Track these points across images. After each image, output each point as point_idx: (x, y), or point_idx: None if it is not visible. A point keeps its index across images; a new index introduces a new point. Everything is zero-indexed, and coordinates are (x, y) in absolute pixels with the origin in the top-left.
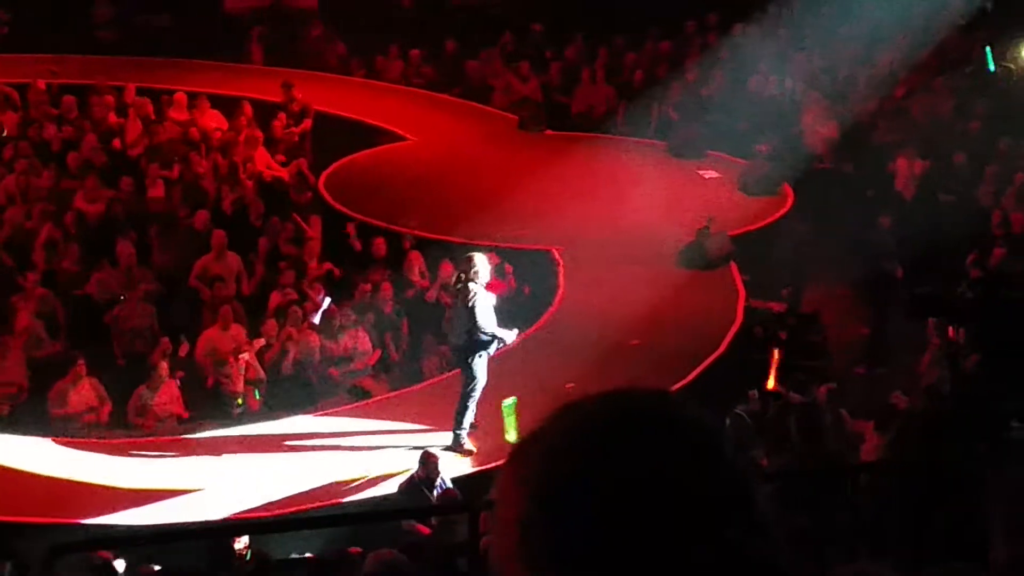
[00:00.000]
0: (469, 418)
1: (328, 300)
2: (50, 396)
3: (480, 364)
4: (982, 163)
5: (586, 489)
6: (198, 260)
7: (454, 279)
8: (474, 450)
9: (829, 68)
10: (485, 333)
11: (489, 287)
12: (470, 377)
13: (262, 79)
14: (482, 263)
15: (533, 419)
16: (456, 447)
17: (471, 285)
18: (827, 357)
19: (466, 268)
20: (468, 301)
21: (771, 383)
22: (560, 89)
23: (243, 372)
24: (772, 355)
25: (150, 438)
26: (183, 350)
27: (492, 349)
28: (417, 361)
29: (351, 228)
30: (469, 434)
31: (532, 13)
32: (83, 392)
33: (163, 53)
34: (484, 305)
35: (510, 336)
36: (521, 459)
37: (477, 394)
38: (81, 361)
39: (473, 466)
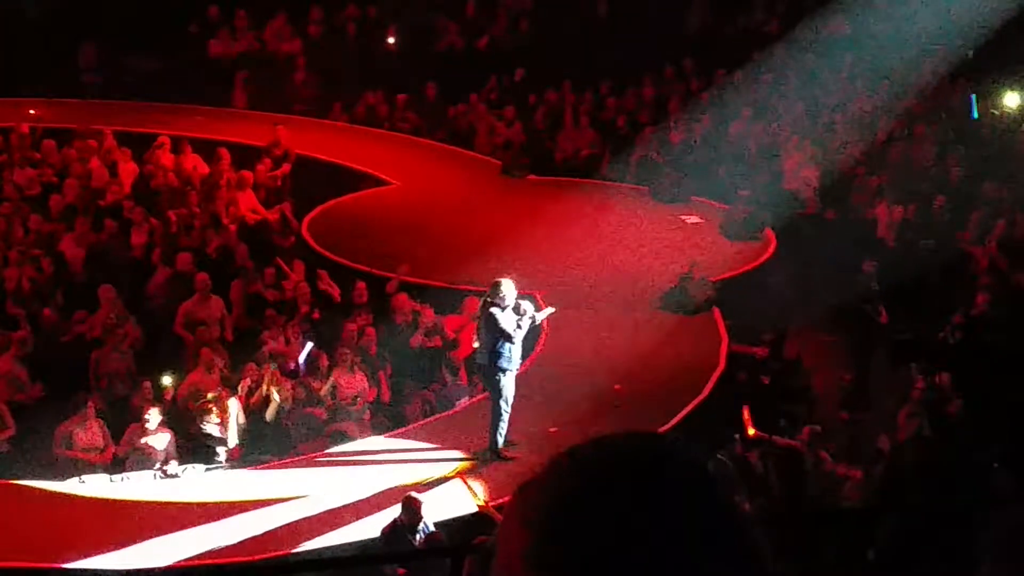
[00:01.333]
0: (503, 431)
1: (310, 344)
2: (56, 436)
3: (507, 381)
4: (964, 209)
5: (589, 528)
6: (182, 304)
7: (480, 303)
8: (515, 457)
9: (811, 113)
10: (509, 348)
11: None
12: (498, 394)
13: (246, 123)
14: (508, 288)
15: (521, 462)
16: (496, 458)
17: (494, 309)
18: (810, 402)
19: (492, 292)
20: (493, 322)
21: (751, 431)
22: (543, 134)
23: (227, 417)
24: (743, 413)
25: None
26: (167, 394)
27: (517, 365)
28: (399, 406)
29: (324, 275)
30: (505, 450)
31: (516, 58)
32: (91, 432)
33: (148, 97)
34: (506, 323)
35: (532, 319)
36: (525, 502)
37: (508, 408)
38: (91, 402)
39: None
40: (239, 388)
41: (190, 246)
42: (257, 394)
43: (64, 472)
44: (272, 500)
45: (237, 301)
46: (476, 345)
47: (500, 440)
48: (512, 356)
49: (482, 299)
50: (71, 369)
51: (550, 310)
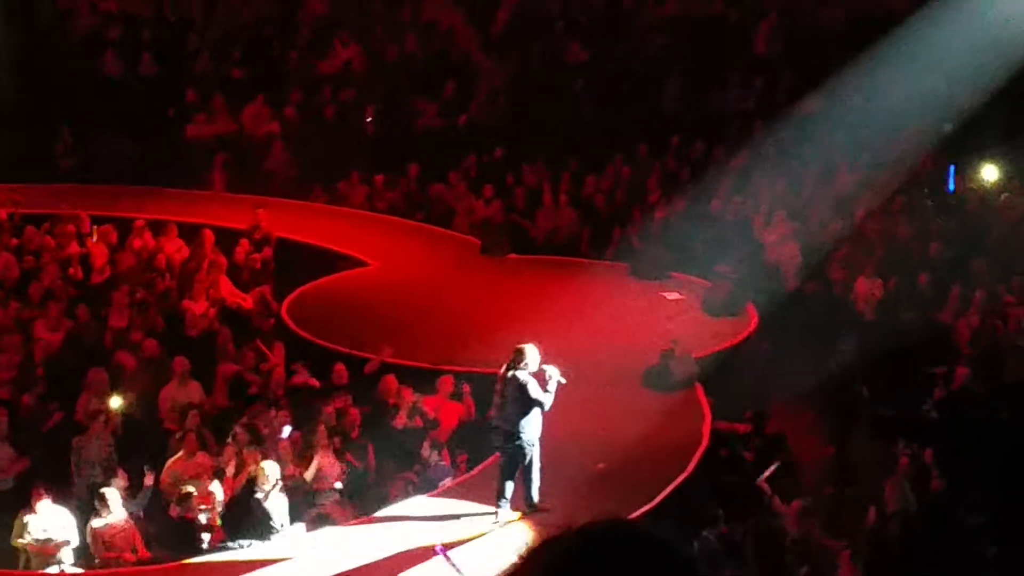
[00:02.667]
0: (537, 486)
1: (289, 429)
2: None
3: (534, 450)
4: (944, 283)
5: None
6: (162, 390)
7: (504, 369)
8: (549, 508)
9: (791, 189)
10: (538, 415)
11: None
12: (527, 456)
13: (224, 206)
14: (531, 353)
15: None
16: (532, 509)
17: (519, 373)
18: (794, 477)
19: (515, 359)
20: (523, 390)
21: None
22: (523, 213)
23: (211, 503)
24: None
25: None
26: (148, 479)
27: (539, 432)
28: (382, 487)
29: (302, 369)
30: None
31: (494, 137)
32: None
33: (125, 180)
34: (535, 390)
35: (556, 384)
36: None
37: (539, 464)
38: (41, 489)
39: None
40: (225, 472)
41: (168, 329)
42: (240, 478)
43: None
44: None
45: (219, 384)
46: (498, 410)
47: (536, 495)
48: (538, 423)
49: (504, 367)
50: (50, 456)
51: (563, 380)
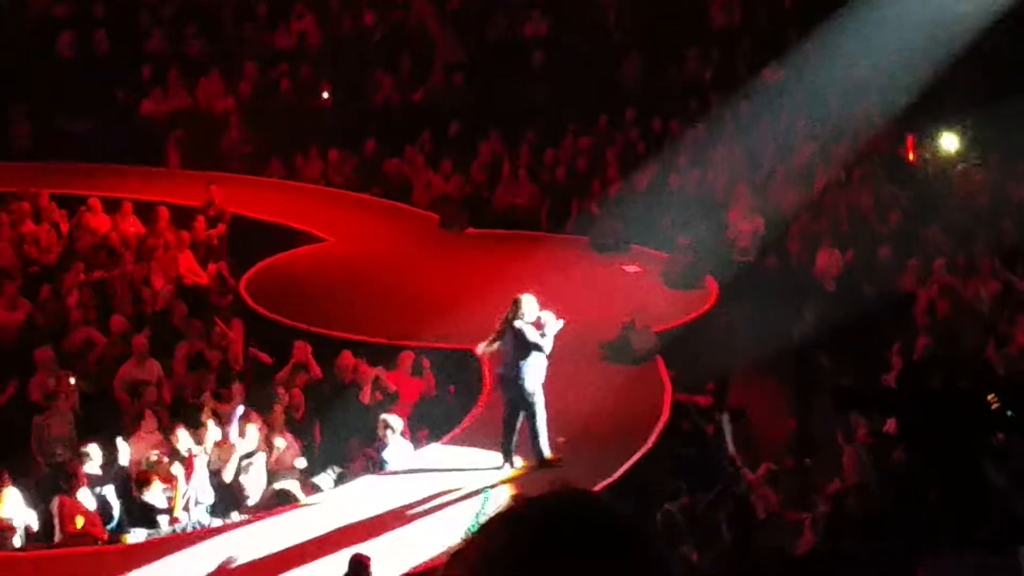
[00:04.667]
0: (545, 439)
1: (242, 408)
2: None
3: (538, 392)
4: (903, 253)
5: None
6: (120, 368)
7: (502, 321)
8: (560, 458)
9: (751, 161)
10: (537, 360)
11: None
12: (531, 406)
13: (180, 183)
14: (528, 303)
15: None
16: (545, 465)
17: (519, 324)
18: (754, 450)
19: (513, 309)
20: (521, 336)
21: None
22: (481, 187)
23: (173, 485)
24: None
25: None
26: (118, 456)
27: (542, 376)
28: (344, 464)
29: (254, 351)
30: (552, 457)
31: (451, 111)
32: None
33: (80, 158)
34: (533, 335)
35: (555, 330)
36: (459, 566)
37: (543, 414)
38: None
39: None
40: (183, 453)
41: (126, 308)
42: (198, 456)
43: None
44: (215, 563)
45: (178, 362)
46: (499, 357)
47: (545, 449)
48: (540, 367)
49: (503, 317)
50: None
51: (560, 323)
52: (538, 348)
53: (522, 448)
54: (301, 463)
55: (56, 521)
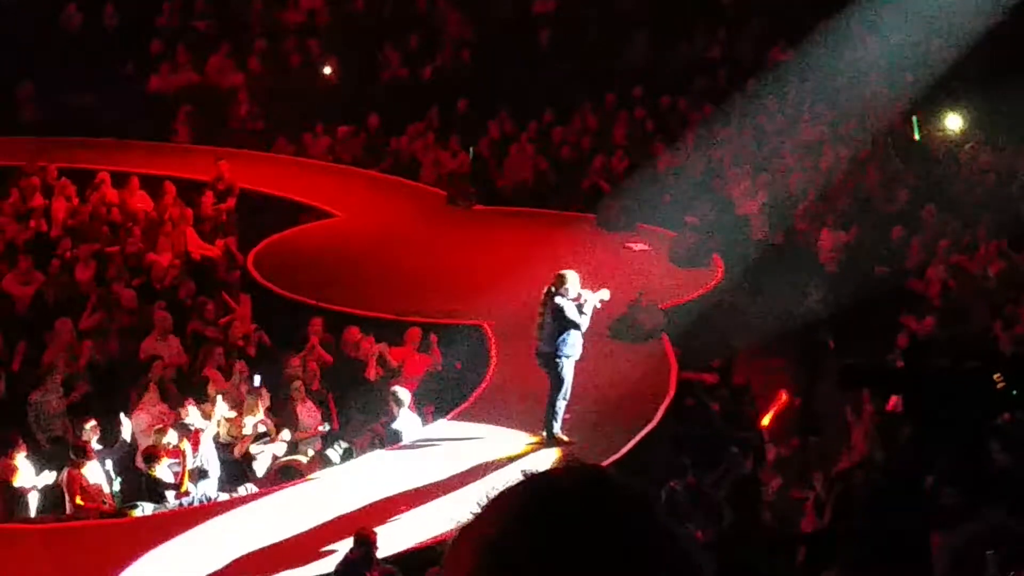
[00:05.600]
0: (560, 417)
1: (258, 378)
2: None
3: (569, 368)
4: (909, 232)
5: (532, 553)
6: (143, 343)
7: (544, 294)
8: (573, 441)
9: (758, 140)
10: (575, 336)
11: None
12: (560, 381)
13: (189, 158)
14: (572, 278)
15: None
16: (554, 443)
17: (560, 299)
18: (759, 428)
19: (557, 284)
20: (560, 312)
21: (766, 420)
22: (489, 163)
23: (182, 460)
24: (779, 397)
25: (82, 522)
26: (122, 430)
27: (578, 353)
28: (350, 439)
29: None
30: (561, 436)
31: (459, 88)
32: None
33: (89, 133)
34: (572, 311)
35: (597, 300)
36: (469, 537)
37: (566, 396)
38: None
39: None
40: (192, 427)
41: (135, 282)
42: (208, 430)
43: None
44: (222, 537)
45: (191, 336)
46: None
47: (557, 426)
48: (576, 344)
49: (545, 290)
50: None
51: (605, 293)
52: (575, 326)
53: (537, 424)
54: (325, 428)
55: (66, 494)
